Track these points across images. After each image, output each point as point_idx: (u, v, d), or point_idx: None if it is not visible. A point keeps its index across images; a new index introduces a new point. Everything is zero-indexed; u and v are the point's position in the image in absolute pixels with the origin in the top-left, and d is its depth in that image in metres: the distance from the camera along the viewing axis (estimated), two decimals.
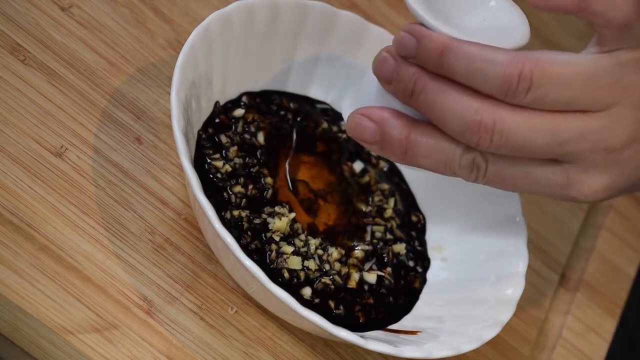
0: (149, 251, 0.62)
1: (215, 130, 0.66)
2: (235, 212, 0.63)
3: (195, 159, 0.64)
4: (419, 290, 0.68)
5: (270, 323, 0.63)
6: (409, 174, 0.73)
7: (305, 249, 0.64)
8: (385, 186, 0.71)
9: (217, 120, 0.66)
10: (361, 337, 0.59)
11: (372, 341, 0.59)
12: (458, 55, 0.55)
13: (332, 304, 0.63)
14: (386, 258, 0.67)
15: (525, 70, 0.55)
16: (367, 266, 0.66)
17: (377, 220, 0.69)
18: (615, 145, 0.57)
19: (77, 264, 0.59)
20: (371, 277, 0.66)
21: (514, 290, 0.65)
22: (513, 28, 0.60)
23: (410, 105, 0.58)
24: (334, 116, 0.72)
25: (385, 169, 0.72)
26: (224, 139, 0.65)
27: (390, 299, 0.66)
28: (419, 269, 0.68)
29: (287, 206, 0.65)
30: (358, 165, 0.71)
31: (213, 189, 0.63)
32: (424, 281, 0.68)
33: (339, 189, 0.69)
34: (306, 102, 0.71)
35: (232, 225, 0.62)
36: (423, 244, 0.70)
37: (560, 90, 0.56)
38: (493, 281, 0.67)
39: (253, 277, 0.57)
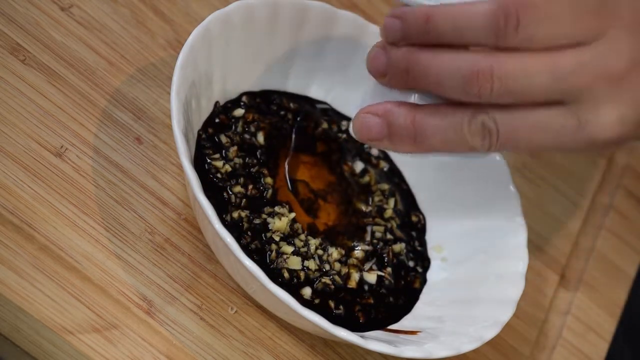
0: (149, 251, 0.62)
1: (215, 130, 0.66)
2: (235, 212, 0.63)
3: (195, 159, 0.64)
4: (419, 291, 0.68)
5: (270, 323, 0.63)
6: (409, 174, 0.73)
7: (305, 249, 0.64)
8: (386, 186, 0.71)
9: (217, 120, 0.66)
10: (361, 337, 0.59)
11: (372, 341, 0.59)
12: (443, 18, 0.56)
13: (332, 304, 0.63)
14: (386, 258, 0.67)
15: (510, 9, 0.55)
16: (367, 266, 0.66)
17: (377, 220, 0.69)
18: (617, 72, 0.56)
19: (77, 264, 0.59)
20: (371, 277, 0.66)
21: (514, 290, 0.65)
22: None
23: (409, 85, 0.58)
24: (334, 116, 0.72)
25: (385, 169, 0.72)
26: (224, 139, 0.65)
27: (390, 299, 0.66)
28: (419, 269, 0.68)
29: (287, 206, 0.65)
30: (358, 165, 0.71)
31: (213, 189, 0.63)
32: (424, 281, 0.68)
33: (339, 189, 0.69)
34: (306, 102, 0.71)
35: (232, 226, 0.62)
36: (423, 244, 0.70)
37: (547, 24, 0.55)
38: (493, 281, 0.67)
39: (253, 277, 0.57)
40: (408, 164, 0.73)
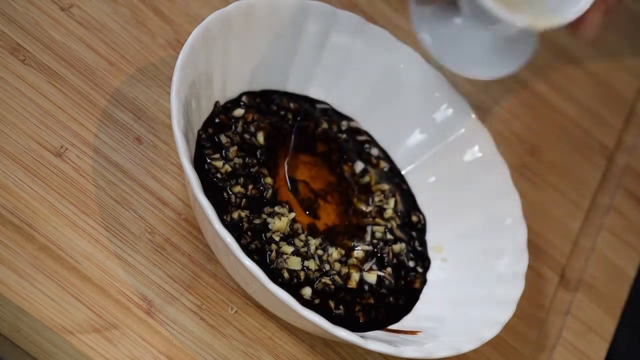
0: (149, 251, 0.62)
1: (215, 130, 0.66)
2: (235, 212, 0.63)
3: (195, 159, 0.64)
4: (419, 291, 0.68)
5: (270, 323, 0.63)
6: (409, 174, 0.73)
7: (305, 249, 0.64)
8: (386, 186, 0.71)
9: (217, 120, 0.66)
10: (361, 337, 0.59)
11: (372, 341, 0.59)
12: None
13: (332, 304, 0.63)
14: (386, 258, 0.67)
15: None
16: (367, 266, 0.66)
17: (377, 220, 0.69)
18: None
19: (77, 264, 0.59)
20: (371, 277, 0.66)
21: (514, 290, 0.65)
22: None
23: None
24: (334, 116, 0.72)
25: (385, 169, 0.72)
26: (223, 139, 0.65)
27: (391, 299, 0.66)
28: (419, 269, 0.68)
29: (287, 206, 0.65)
30: (358, 165, 0.71)
31: (213, 189, 0.63)
32: (424, 281, 0.68)
33: (339, 189, 0.69)
34: (306, 102, 0.71)
35: (232, 226, 0.62)
36: (423, 244, 0.70)
37: None
38: (493, 281, 0.67)
39: (253, 277, 0.57)
40: (408, 164, 0.73)
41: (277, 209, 0.64)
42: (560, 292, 0.76)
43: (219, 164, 0.64)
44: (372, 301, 0.65)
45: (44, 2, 0.67)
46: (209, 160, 0.64)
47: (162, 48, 0.70)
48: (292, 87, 0.71)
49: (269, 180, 0.65)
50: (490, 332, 0.63)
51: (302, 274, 0.63)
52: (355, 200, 0.69)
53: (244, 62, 0.68)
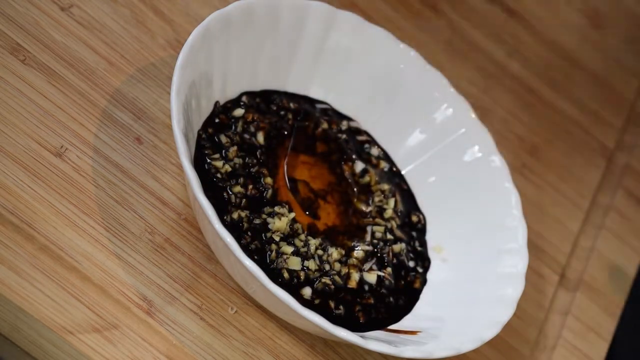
0: (149, 251, 0.62)
1: (215, 130, 0.66)
2: (235, 212, 0.63)
3: (195, 158, 0.64)
4: (419, 291, 0.68)
5: (270, 323, 0.63)
6: (409, 174, 0.73)
7: (305, 249, 0.64)
8: (386, 186, 0.71)
9: (216, 120, 0.66)
10: (361, 337, 0.59)
11: (372, 341, 0.59)
12: None
13: (332, 304, 0.63)
14: (386, 258, 0.67)
15: None
16: (367, 266, 0.66)
17: (377, 220, 0.69)
18: None
19: (77, 264, 0.59)
20: (371, 278, 0.66)
21: (514, 290, 0.65)
22: None
23: None
24: (334, 116, 0.72)
25: (385, 169, 0.72)
26: (223, 138, 0.65)
27: (391, 299, 0.66)
28: (420, 269, 0.68)
29: (287, 206, 0.65)
30: (358, 165, 0.71)
31: (213, 189, 0.63)
32: (424, 281, 0.68)
33: (339, 189, 0.69)
34: (306, 102, 0.71)
35: (232, 226, 0.62)
36: (423, 244, 0.70)
37: None
38: (493, 281, 0.67)
39: (253, 277, 0.57)
40: (408, 164, 0.73)
41: (277, 209, 0.64)
42: (560, 292, 0.76)
43: (219, 164, 0.64)
44: (372, 301, 0.65)
45: (44, 2, 0.67)
46: (209, 160, 0.64)
47: (162, 48, 0.70)
48: (292, 87, 0.71)
49: (268, 180, 0.65)
50: (490, 332, 0.63)
51: (302, 274, 0.63)
52: (355, 200, 0.69)
53: (244, 62, 0.68)
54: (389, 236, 0.68)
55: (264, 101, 0.69)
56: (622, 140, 0.89)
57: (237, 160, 0.65)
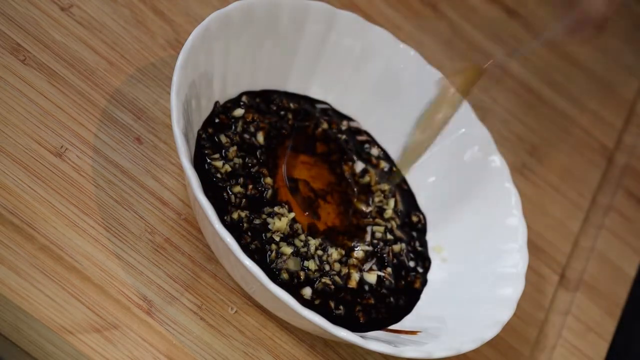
0: (149, 251, 0.62)
1: (215, 130, 0.66)
2: (235, 213, 0.63)
3: (195, 158, 0.64)
4: (420, 291, 0.68)
5: (270, 323, 0.63)
6: (410, 174, 0.73)
7: (305, 249, 0.64)
8: (386, 186, 0.71)
9: (216, 120, 0.66)
10: (361, 337, 0.59)
11: (372, 341, 0.59)
12: None
13: (332, 304, 0.63)
14: (386, 258, 0.67)
15: None
16: (367, 266, 0.66)
17: (377, 220, 0.69)
18: None
19: (77, 264, 0.59)
20: (371, 278, 0.66)
21: (514, 290, 0.65)
22: None
23: None
24: (334, 116, 0.72)
25: (385, 169, 0.72)
26: (223, 138, 0.65)
27: (391, 299, 0.66)
28: (420, 270, 0.68)
29: (287, 206, 0.65)
30: (358, 166, 0.71)
31: (213, 189, 0.63)
32: (424, 281, 0.68)
33: (338, 189, 0.69)
34: (306, 102, 0.71)
35: (232, 226, 0.62)
36: (424, 244, 0.70)
37: None
38: (493, 281, 0.67)
39: (253, 277, 0.57)
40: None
41: (276, 209, 0.64)
42: (560, 292, 0.76)
43: (219, 164, 0.64)
44: (372, 301, 0.65)
45: (44, 2, 0.67)
46: (208, 160, 0.64)
47: (162, 48, 0.70)
48: (292, 87, 0.71)
49: (268, 180, 0.65)
50: (490, 332, 0.63)
51: (302, 274, 0.63)
52: (355, 200, 0.69)
53: (244, 62, 0.68)
54: (389, 236, 0.68)
55: (264, 101, 0.69)
56: (622, 140, 0.89)
57: (237, 160, 0.65)
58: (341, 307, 0.63)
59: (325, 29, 0.70)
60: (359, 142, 0.72)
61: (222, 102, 0.67)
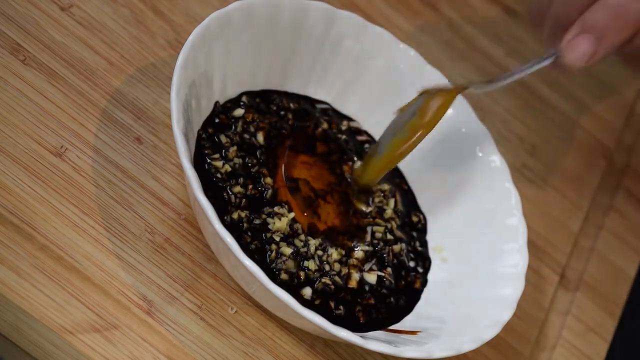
0: (149, 251, 0.62)
1: (215, 130, 0.66)
2: (235, 213, 0.63)
3: (195, 158, 0.64)
4: (420, 291, 0.68)
5: (270, 323, 0.63)
6: (410, 174, 0.73)
7: (305, 249, 0.64)
8: (386, 187, 0.71)
9: (217, 120, 0.66)
10: (361, 337, 0.59)
11: (372, 341, 0.59)
12: None
13: (332, 304, 0.63)
14: (386, 258, 0.67)
15: None
16: (367, 266, 0.66)
17: (377, 220, 0.69)
18: None
19: (77, 264, 0.59)
20: (371, 278, 0.66)
21: (514, 290, 0.65)
22: None
23: None
24: (334, 116, 0.72)
25: None
26: (223, 138, 0.65)
27: (391, 299, 0.66)
28: (420, 270, 0.68)
29: (287, 206, 0.65)
30: (358, 166, 0.71)
31: (213, 189, 0.63)
32: (424, 282, 0.68)
33: (339, 189, 0.69)
34: (306, 102, 0.71)
35: (232, 226, 0.62)
36: (424, 244, 0.70)
37: None
38: (493, 281, 0.67)
39: (253, 277, 0.57)
40: (408, 164, 0.73)
41: (276, 209, 0.64)
42: (560, 292, 0.76)
43: (219, 164, 0.64)
44: (372, 301, 0.65)
45: (44, 2, 0.67)
46: (208, 160, 0.64)
47: (162, 48, 0.70)
48: (292, 87, 0.71)
49: (268, 180, 0.65)
50: (490, 332, 0.63)
51: (302, 274, 0.63)
52: (355, 200, 0.69)
53: (244, 62, 0.68)
54: (389, 236, 0.68)
55: (264, 101, 0.69)
56: (622, 140, 0.89)
57: (237, 160, 0.65)
58: (341, 307, 0.63)
59: (325, 29, 0.70)
60: (359, 142, 0.72)
61: (222, 102, 0.67)
